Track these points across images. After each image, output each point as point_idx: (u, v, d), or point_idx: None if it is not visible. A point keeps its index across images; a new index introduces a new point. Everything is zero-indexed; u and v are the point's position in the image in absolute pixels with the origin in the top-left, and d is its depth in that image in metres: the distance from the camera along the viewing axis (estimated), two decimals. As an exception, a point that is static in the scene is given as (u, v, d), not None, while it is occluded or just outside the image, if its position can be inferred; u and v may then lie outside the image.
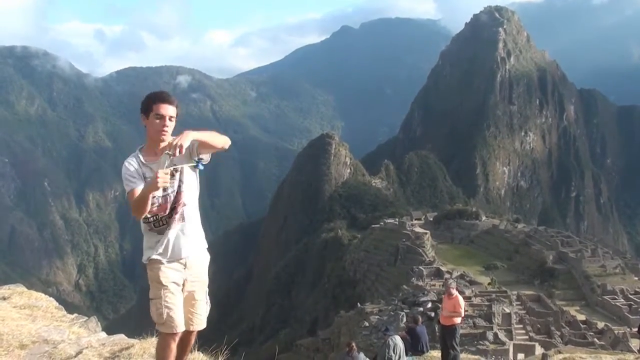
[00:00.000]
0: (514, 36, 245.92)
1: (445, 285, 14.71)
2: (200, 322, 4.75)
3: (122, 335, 6.86)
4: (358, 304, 57.35)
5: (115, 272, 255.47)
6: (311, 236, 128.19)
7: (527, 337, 37.26)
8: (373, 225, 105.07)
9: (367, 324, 42.73)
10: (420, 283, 57.53)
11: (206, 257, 4.78)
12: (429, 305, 39.50)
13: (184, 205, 4.52)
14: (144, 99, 4.46)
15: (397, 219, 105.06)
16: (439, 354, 14.49)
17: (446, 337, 13.52)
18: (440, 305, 23.35)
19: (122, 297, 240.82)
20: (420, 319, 17.74)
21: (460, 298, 13.18)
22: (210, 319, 4.92)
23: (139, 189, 4.31)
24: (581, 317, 52.22)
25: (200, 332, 4.89)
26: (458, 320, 13.34)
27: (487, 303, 42.24)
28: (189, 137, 4.18)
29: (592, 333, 43.66)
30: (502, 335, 33.43)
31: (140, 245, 4.63)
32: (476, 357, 20.27)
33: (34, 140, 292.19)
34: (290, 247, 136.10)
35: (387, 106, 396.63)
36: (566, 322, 46.63)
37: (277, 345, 69.29)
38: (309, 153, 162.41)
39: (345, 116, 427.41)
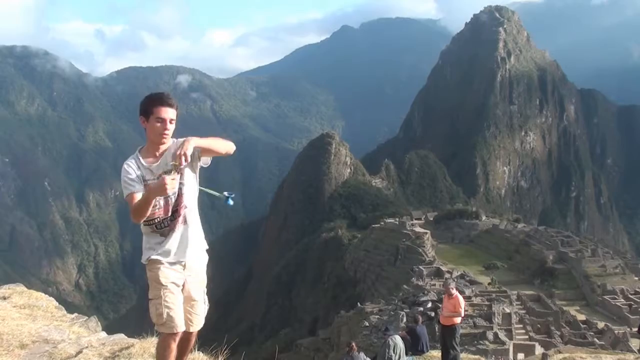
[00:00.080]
0: (514, 36, 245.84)
1: (444, 285, 14.70)
2: (199, 323, 4.76)
3: (122, 335, 6.87)
4: (358, 303, 57.38)
5: (116, 272, 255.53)
6: (311, 236, 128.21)
7: (527, 337, 37.26)
8: (373, 225, 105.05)
9: (367, 323, 42.71)
10: (421, 283, 57.53)
11: (205, 258, 4.78)
12: (429, 305, 39.49)
13: (186, 207, 4.52)
14: (143, 101, 4.43)
15: (397, 219, 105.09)
16: (439, 354, 14.51)
17: (446, 337, 13.53)
18: (440, 305, 23.36)
19: (122, 296, 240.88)
20: (421, 318, 17.76)
21: (461, 298, 13.19)
22: (210, 319, 4.93)
23: (138, 192, 4.29)
24: (581, 317, 52.22)
25: (200, 332, 4.90)
26: (458, 320, 13.35)
27: (487, 303, 42.24)
28: (192, 145, 4.17)
29: (592, 333, 43.65)
30: (502, 335, 33.43)
31: (141, 245, 4.63)
32: (476, 357, 20.28)
33: (34, 140, 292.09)
34: (291, 247, 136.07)
35: (387, 106, 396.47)
36: (566, 322, 46.63)
37: (278, 344, 69.32)
38: (309, 153, 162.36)
39: (346, 116, 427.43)
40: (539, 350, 30.12)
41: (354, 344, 14.30)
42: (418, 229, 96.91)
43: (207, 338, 6.34)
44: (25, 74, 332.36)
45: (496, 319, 37.55)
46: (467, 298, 40.91)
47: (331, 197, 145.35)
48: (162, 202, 4.42)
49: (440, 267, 69.83)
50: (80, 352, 5.91)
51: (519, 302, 50.57)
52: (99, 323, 7.66)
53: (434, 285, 53.57)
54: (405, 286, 57.85)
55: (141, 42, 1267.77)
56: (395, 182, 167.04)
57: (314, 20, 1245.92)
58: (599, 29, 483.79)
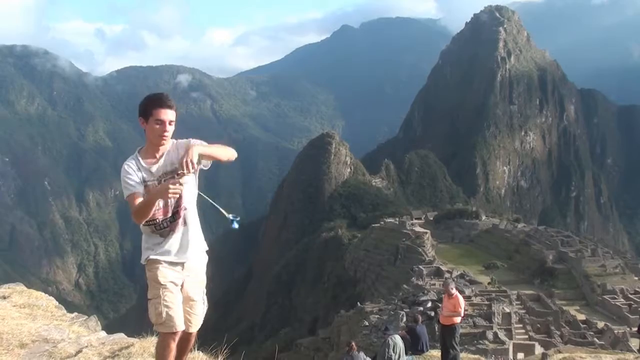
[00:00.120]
0: (514, 36, 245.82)
1: (444, 285, 14.70)
2: (198, 323, 4.76)
3: (122, 334, 6.87)
4: (358, 303, 57.36)
5: (116, 271, 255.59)
6: (311, 235, 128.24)
7: (526, 336, 37.26)
8: (373, 225, 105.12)
9: (367, 323, 42.71)
10: (420, 282, 57.51)
11: (205, 258, 4.78)
12: (429, 304, 39.51)
13: (186, 209, 4.54)
14: (143, 102, 4.42)
15: (397, 219, 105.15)
16: (439, 354, 14.51)
17: (446, 337, 13.53)
18: (440, 305, 23.36)
19: (122, 296, 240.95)
20: (420, 318, 17.75)
21: (461, 298, 13.18)
22: (210, 318, 4.94)
23: (139, 193, 4.32)
24: (581, 316, 52.23)
25: (200, 331, 4.89)
26: (458, 319, 13.35)
27: (487, 302, 42.24)
28: (197, 152, 4.17)
29: (591, 333, 43.66)
30: (501, 335, 33.42)
31: (140, 245, 4.64)
32: (476, 356, 20.28)
33: (34, 139, 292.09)
34: (291, 247, 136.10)
35: (387, 106, 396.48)
36: (566, 321, 46.64)
37: (277, 344, 69.35)
38: (309, 152, 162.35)
39: (346, 115, 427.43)
40: (538, 350, 30.12)
41: (353, 343, 14.30)
42: (418, 229, 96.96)
43: (207, 337, 6.35)
44: (25, 73, 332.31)
45: (496, 319, 37.55)
46: (467, 298, 40.91)
47: (331, 197, 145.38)
48: (161, 204, 4.44)
49: (440, 266, 69.84)
50: (80, 351, 5.91)
51: (518, 302, 50.57)
52: (99, 322, 7.66)
53: (434, 284, 53.55)
54: (405, 286, 57.86)
55: (141, 42, 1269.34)
56: (395, 181, 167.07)
57: (314, 19, 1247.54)
58: (599, 29, 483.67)
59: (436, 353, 15.60)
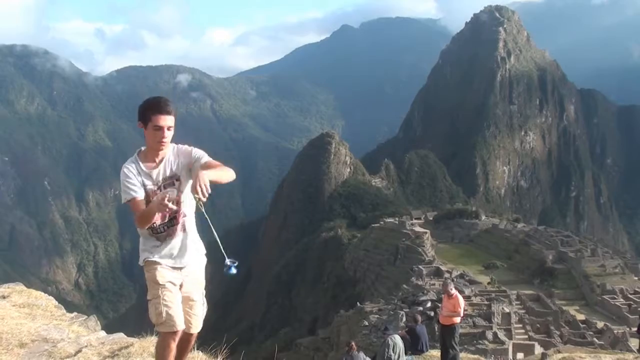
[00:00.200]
0: (514, 36, 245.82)
1: (443, 285, 14.71)
2: (197, 324, 4.76)
3: (122, 334, 6.87)
4: (358, 303, 57.35)
5: (115, 271, 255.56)
6: (311, 235, 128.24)
7: (526, 336, 37.28)
8: (373, 225, 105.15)
9: (366, 323, 42.73)
10: (420, 282, 57.52)
11: (203, 260, 4.80)
12: (429, 304, 39.52)
13: (185, 216, 4.56)
14: (141, 106, 4.42)
15: (397, 218, 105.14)
16: (439, 354, 14.52)
17: (445, 337, 13.54)
18: (439, 305, 23.37)
19: (121, 296, 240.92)
20: (420, 318, 17.75)
21: (460, 298, 13.19)
22: (209, 319, 4.94)
23: (139, 197, 4.35)
24: (580, 316, 52.27)
25: (199, 331, 4.90)
26: (457, 319, 13.36)
27: (486, 302, 42.25)
28: (207, 178, 4.09)
29: (591, 333, 43.68)
30: (501, 335, 33.44)
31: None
32: (475, 356, 20.29)
33: (34, 139, 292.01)
34: (290, 247, 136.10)
35: (387, 105, 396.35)
36: (566, 321, 46.66)
37: (277, 344, 69.29)
38: (309, 152, 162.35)
39: (345, 115, 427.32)
40: (538, 349, 30.13)
41: (353, 343, 14.31)
42: (418, 229, 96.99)
43: (206, 337, 6.35)
44: (25, 73, 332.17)
45: (495, 319, 37.57)
46: (467, 298, 40.90)
47: (331, 197, 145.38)
48: None
49: (440, 266, 69.86)
50: (79, 351, 5.91)
51: (518, 302, 50.58)
52: (98, 322, 7.66)
53: (434, 284, 53.56)
54: (404, 286, 57.87)
55: (141, 41, 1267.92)
56: (395, 181, 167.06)
57: (314, 19, 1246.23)
58: (599, 29, 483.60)
59: (436, 353, 15.61)
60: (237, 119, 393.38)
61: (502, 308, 40.96)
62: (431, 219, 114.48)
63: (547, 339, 37.39)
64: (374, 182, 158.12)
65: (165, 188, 4.47)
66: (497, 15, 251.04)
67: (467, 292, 45.98)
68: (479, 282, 61.22)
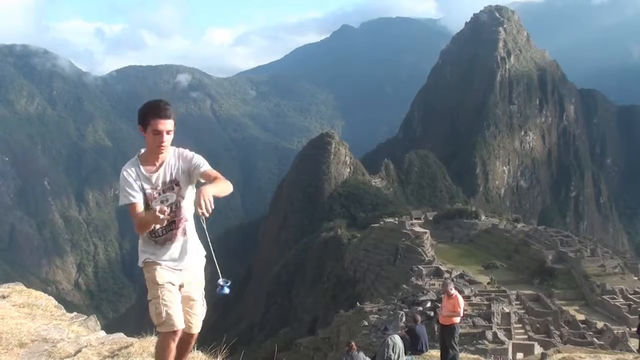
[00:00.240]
0: (514, 36, 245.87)
1: (443, 286, 14.72)
2: (198, 324, 4.78)
3: (122, 334, 6.87)
4: (357, 303, 57.34)
5: (115, 271, 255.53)
6: (311, 235, 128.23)
7: (526, 336, 37.26)
8: (373, 225, 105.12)
9: (366, 323, 42.73)
10: (420, 282, 57.51)
11: (202, 261, 4.82)
12: (429, 304, 39.51)
13: (186, 220, 4.59)
14: (140, 110, 4.42)
15: (396, 218, 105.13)
16: (438, 354, 14.52)
17: (445, 337, 13.54)
18: (439, 305, 23.36)
19: (121, 296, 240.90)
20: (420, 318, 17.76)
21: (460, 298, 13.18)
22: (209, 318, 4.94)
23: (139, 202, 4.39)
24: (580, 316, 52.26)
25: (199, 332, 4.91)
26: (457, 319, 13.36)
27: (486, 302, 42.24)
28: (211, 194, 4.13)
29: (591, 333, 43.67)
30: (501, 335, 33.43)
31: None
32: (475, 356, 20.28)
33: (34, 139, 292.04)
34: (290, 247, 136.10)
35: (387, 105, 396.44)
36: (565, 321, 46.64)
37: (277, 344, 69.29)
38: (309, 152, 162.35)
39: (345, 115, 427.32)
40: (538, 349, 30.13)
41: (353, 343, 14.31)
42: (417, 229, 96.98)
43: (206, 337, 6.35)
44: (25, 72, 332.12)
45: (495, 319, 37.56)
46: (466, 298, 40.90)
47: (331, 197, 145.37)
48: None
49: (440, 266, 69.84)
50: (79, 351, 5.91)
51: (518, 302, 50.55)
52: (98, 322, 7.66)
53: (433, 284, 53.56)
54: (404, 286, 57.86)
55: (141, 41, 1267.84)
56: (394, 181, 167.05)
57: (314, 19, 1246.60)
58: (599, 29, 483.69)
59: (435, 353, 15.60)
60: (236, 118, 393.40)
61: (502, 308, 40.96)
62: (431, 219, 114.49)
63: (546, 339, 37.38)
64: (374, 182, 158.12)
65: (164, 192, 4.48)
66: (497, 15, 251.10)
67: (466, 292, 45.96)
68: (478, 282, 61.19)
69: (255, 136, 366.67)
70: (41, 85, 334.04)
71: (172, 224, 4.55)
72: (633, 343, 37.42)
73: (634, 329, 32.94)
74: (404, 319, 36.28)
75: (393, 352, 13.09)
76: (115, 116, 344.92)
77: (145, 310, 4.56)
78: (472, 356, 20.17)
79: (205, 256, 4.86)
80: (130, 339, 6.50)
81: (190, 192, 4.59)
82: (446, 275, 61.85)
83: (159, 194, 4.46)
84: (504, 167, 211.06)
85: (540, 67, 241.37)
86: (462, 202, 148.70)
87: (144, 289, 4.63)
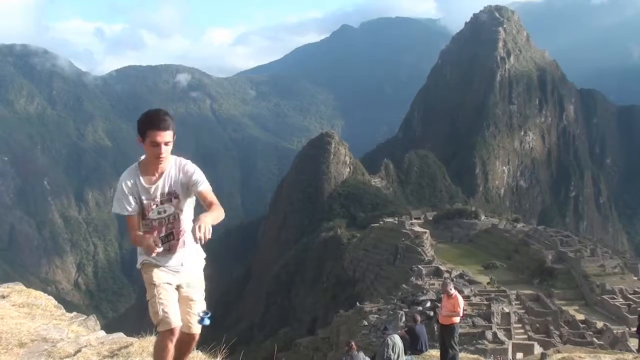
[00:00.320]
0: (513, 36, 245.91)
1: (442, 286, 14.72)
2: (198, 324, 4.78)
3: (121, 334, 6.87)
4: (357, 303, 57.33)
5: (115, 271, 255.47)
6: (310, 235, 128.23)
7: (526, 336, 37.25)
8: (372, 225, 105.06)
9: (366, 323, 42.73)
10: (420, 282, 57.50)
11: (202, 263, 4.84)
12: (428, 304, 39.50)
13: (185, 232, 4.61)
14: (139, 121, 4.41)
15: (396, 218, 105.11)
16: (438, 353, 14.52)
17: (445, 336, 13.54)
18: (439, 305, 23.36)
19: (121, 295, 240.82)
20: (420, 318, 17.76)
21: (460, 298, 13.18)
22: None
23: (132, 215, 4.48)
24: (580, 316, 52.25)
25: (199, 332, 4.91)
26: (457, 319, 13.36)
27: (486, 302, 42.22)
28: (209, 223, 4.18)
29: (591, 332, 43.66)
30: (501, 335, 33.43)
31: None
32: (475, 356, 20.28)
33: (34, 138, 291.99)
34: (290, 246, 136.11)
35: (387, 105, 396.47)
36: (565, 321, 46.63)
37: (277, 344, 69.31)
38: (309, 152, 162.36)
39: (345, 115, 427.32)
40: (537, 349, 30.12)
41: (353, 343, 14.31)
42: (417, 229, 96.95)
43: (206, 337, 6.35)
44: (24, 72, 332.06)
45: (495, 319, 37.56)
46: (466, 297, 40.89)
47: (330, 197, 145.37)
48: (155, 223, 4.56)
49: (440, 266, 69.81)
50: (79, 350, 5.91)
51: (518, 302, 50.54)
52: (98, 322, 7.66)
53: (433, 284, 53.54)
54: (404, 285, 57.85)
55: (141, 41, 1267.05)
56: (394, 181, 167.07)
57: (314, 19, 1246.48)
58: (598, 29, 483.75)
59: (435, 353, 15.60)
60: (236, 118, 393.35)
61: (502, 308, 40.95)
62: (431, 218, 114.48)
63: (546, 338, 37.38)
64: (374, 182, 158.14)
65: (162, 204, 4.53)
66: (497, 15, 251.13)
67: (466, 292, 45.95)
68: (478, 282, 61.19)
69: (255, 136, 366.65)
70: (41, 85, 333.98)
71: (171, 236, 4.59)
72: (633, 343, 37.42)
73: (634, 329, 32.94)
74: (403, 319, 36.28)
75: (393, 351, 13.09)
76: (115, 116, 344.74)
77: (145, 310, 4.58)
78: (472, 356, 20.16)
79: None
80: (130, 339, 6.50)
81: (189, 205, 4.63)
82: (446, 275, 61.82)
83: (157, 205, 4.51)
84: (504, 167, 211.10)
85: (540, 67, 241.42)
86: (461, 202, 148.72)
87: (143, 289, 4.65)
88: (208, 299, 4.93)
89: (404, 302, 43.91)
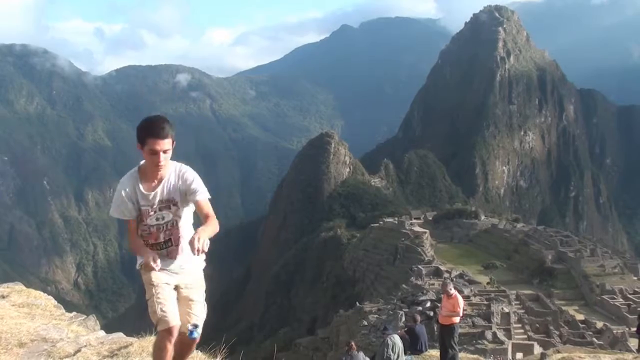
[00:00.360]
0: (513, 36, 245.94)
1: (442, 286, 14.72)
2: (199, 324, 4.79)
3: (121, 334, 6.86)
4: (357, 303, 57.29)
5: (114, 270, 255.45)
6: (310, 235, 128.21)
7: (525, 336, 37.24)
8: (372, 225, 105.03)
9: (366, 323, 42.71)
10: (420, 282, 57.47)
11: (201, 264, 4.86)
12: (428, 304, 39.48)
13: (183, 238, 4.65)
14: (138, 127, 4.41)
15: (396, 218, 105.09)
16: (438, 353, 14.52)
17: (445, 337, 13.54)
18: (439, 305, 23.36)
19: (121, 295, 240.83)
20: (419, 318, 17.76)
21: (460, 298, 13.19)
22: (209, 318, 4.95)
23: (132, 218, 4.56)
24: (580, 316, 52.24)
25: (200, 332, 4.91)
26: (457, 319, 13.36)
27: (486, 302, 42.21)
28: (206, 237, 4.28)
29: (590, 332, 43.65)
30: (500, 335, 33.42)
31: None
32: (475, 356, 20.29)
33: (34, 138, 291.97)
34: (290, 246, 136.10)
35: (386, 105, 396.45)
36: (565, 321, 46.63)
37: (276, 344, 69.26)
38: (309, 152, 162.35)
39: (345, 115, 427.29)
40: (537, 349, 30.13)
41: (353, 343, 14.32)
42: (417, 229, 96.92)
43: (205, 337, 6.35)
44: (24, 72, 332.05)
45: (495, 319, 37.55)
46: (466, 297, 40.88)
47: (330, 197, 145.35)
48: (153, 229, 4.59)
49: (439, 266, 69.77)
50: (78, 350, 5.91)
51: (517, 302, 50.53)
52: (98, 322, 7.66)
53: (433, 284, 53.50)
54: (404, 285, 57.82)
55: (141, 41, 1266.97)
56: (394, 181, 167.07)
57: (314, 19, 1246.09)
58: (598, 29, 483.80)
59: (435, 353, 15.60)
60: (236, 118, 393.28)
61: (502, 308, 40.94)
62: (430, 218, 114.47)
63: (546, 338, 37.38)
64: (374, 182, 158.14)
65: (160, 211, 4.56)
66: (497, 15, 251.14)
67: (466, 292, 45.92)
68: (478, 282, 61.15)
69: (254, 136, 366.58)
70: (41, 85, 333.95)
71: (169, 242, 4.62)
72: (632, 343, 37.40)
73: (634, 329, 32.94)
74: (403, 319, 36.26)
75: (392, 352, 13.09)
76: (115, 116, 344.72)
77: (145, 310, 4.60)
78: (472, 356, 20.17)
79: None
80: (130, 339, 6.50)
81: (188, 212, 4.66)
82: (446, 275, 61.80)
83: (155, 212, 4.54)
84: (504, 167, 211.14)
85: (539, 67, 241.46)
86: (461, 202, 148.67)
87: (143, 289, 4.67)
88: (208, 299, 4.93)
89: (403, 302, 43.89)
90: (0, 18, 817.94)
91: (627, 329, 45.49)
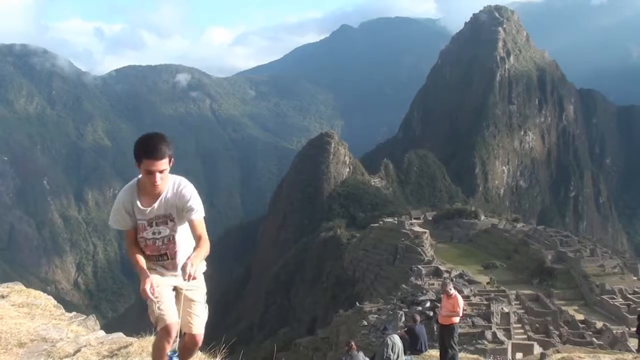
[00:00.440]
0: (513, 36, 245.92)
1: (442, 286, 14.72)
2: (199, 324, 4.81)
3: (121, 334, 6.87)
4: (357, 303, 57.27)
5: (114, 270, 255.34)
6: (310, 235, 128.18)
7: (525, 336, 37.24)
8: (372, 225, 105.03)
9: (365, 323, 42.70)
10: (419, 282, 57.46)
11: (202, 267, 4.87)
12: (428, 304, 39.47)
13: (179, 252, 4.71)
14: (136, 146, 4.38)
15: (396, 218, 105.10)
16: (438, 353, 14.52)
17: (444, 336, 13.54)
18: (439, 305, 23.36)
19: (120, 295, 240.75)
20: (419, 318, 17.76)
21: (460, 298, 13.18)
22: (209, 318, 4.96)
23: (130, 228, 4.64)
24: (580, 316, 52.23)
25: (202, 332, 4.93)
26: (456, 319, 13.36)
27: (485, 302, 42.20)
28: (198, 263, 4.43)
29: (590, 332, 43.65)
30: (500, 335, 33.41)
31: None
32: (474, 356, 20.29)
33: (33, 138, 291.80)
34: (289, 246, 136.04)
35: (386, 105, 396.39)
36: (565, 321, 46.63)
37: (276, 344, 69.28)
38: (308, 152, 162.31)
39: (345, 115, 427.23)
40: (537, 349, 30.13)
41: (352, 343, 14.32)
42: (417, 229, 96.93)
43: (206, 337, 6.36)
44: (24, 72, 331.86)
45: (495, 319, 37.54)
46: (466, 297, 40.87)
47: (330, 197, 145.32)
48: (150, 242, 4.64)
49: (439, 266, 69.76)
50: (78, 350, 5.91)
51: (517, 302, 50.52)
52: (98, 322, 7.66)
53: (433, 284, 53.47)
54: (404, 285, 57.81)
55: (140, 41, 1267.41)
56: (394, 181, 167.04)
57: (314, 19, 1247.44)
58: (598, 29, 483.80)
59: (435, 353, 15.60)
60: (236, 118, 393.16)
61: (501, 308, 40.94)
62: (430, 218, 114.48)
63: (546, 338, 37.38)
64: (373, 182, 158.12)
65: (157, 226, 4.60)
66: (497, 15, 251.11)
67: (466, 292, 45.91)
68: (478, 282, 61.14)
69: (254, 136, 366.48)
70: (40, 84, 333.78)
71: (165, 256, 4.69)
72: (632, 343, 37.40)
73: (633, 329, 32.94)
74: (403, 319, 36.26)
75: (392, 352, 13.09)
76: (115, 116, 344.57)
77: (144, 310, 4.62)
78: (472, 356, 20.17)
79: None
80: (130, 339, 6.50)
81: (184, 227, 4.69)
82: (445, 275, 61.79)
83: (151, 227, 4.59)
84: (504, 167, 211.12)
85: (539, 67, 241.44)
86: (461, 202, 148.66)
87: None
88: (208, 299, 4.94)
89: (403, 302, 43.88)
90: (0, 18, 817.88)
91: (626, 329, 45.49)
